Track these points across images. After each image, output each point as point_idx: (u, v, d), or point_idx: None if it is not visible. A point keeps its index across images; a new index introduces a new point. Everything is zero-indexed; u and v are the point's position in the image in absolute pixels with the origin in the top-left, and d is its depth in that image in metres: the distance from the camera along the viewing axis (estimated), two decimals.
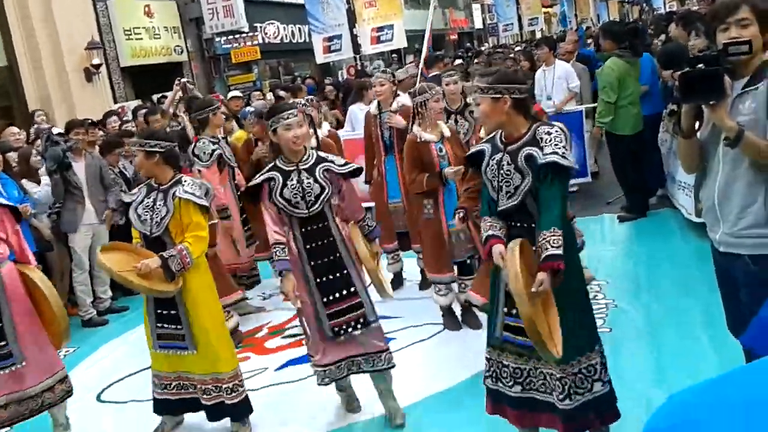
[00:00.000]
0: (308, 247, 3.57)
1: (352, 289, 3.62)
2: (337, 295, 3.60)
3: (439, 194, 4.62)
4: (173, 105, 8.00)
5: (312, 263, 3.58)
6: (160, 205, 3.71)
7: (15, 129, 7.42)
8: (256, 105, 9.02)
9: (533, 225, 2.86)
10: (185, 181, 3.80)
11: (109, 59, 12.99)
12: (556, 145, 2.77)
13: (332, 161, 3.61)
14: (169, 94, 9.49)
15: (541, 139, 2.81)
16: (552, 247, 2.71)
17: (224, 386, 3.77)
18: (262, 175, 3.63)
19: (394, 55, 21.48)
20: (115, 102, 12.40)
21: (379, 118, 5.44)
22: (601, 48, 7.59)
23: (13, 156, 6.18)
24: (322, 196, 3.52)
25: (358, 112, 7.46)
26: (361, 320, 3.63)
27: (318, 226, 3.57)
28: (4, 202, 3.94)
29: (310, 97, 6.00)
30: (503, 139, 2.97)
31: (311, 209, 3.52)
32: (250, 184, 3.72)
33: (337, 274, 3.60)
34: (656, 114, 6.64)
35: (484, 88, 2.89)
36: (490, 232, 2.99)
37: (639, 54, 6.71)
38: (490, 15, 35.85)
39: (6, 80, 11.33)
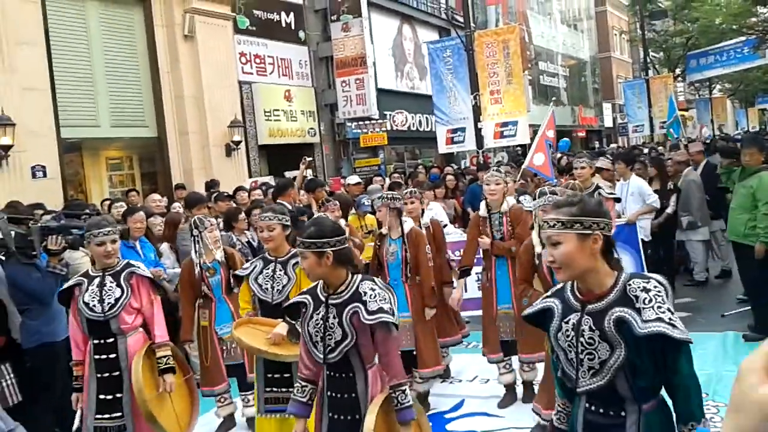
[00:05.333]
0: (330, 394, 2.97)
1: None
2: None
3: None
4: (302, 182, 8.52)
5: (330, 414, 2.97)
6: (280, 274, 3.92)
7: (157, 196, 8.07)
8: (371, 189, 9.33)
9: (623, 414, 2.18)
10: None
11: (248, 137, 13.97)
12: (659, 307, 2.08)
13: (365, 302, 2.85)
14: (296, 172, 10.10)
15: (636, 297, 2.12)
16: None
17: None
18: (300, 294, 3.14)
19: (518, 149, 21.61)
20: (250, 176, 13.24)
21: (489, 220, 5.11)
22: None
23: (152, 221, 6.67)
24: (342, 345, 2.86)
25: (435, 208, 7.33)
26: None
27: (342, 376, 2.94)
28: (144, 273, 3.95)
29: (412, 189, 6.02)
30: (578, 293, 2.26)
31: (328, 356, 2.88)
32: (287, 303, 3.31)
33: None
34: None
35: (566, 222, 2.17)
36: (562, 426, 2.42)
37: None
38: (621, 115, 35.49)
39: (155, 150, 12.43)
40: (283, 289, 3.91)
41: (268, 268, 3.99)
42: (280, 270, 3.95)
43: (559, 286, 2.39)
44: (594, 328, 2.17)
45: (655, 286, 2.14)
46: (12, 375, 4.54)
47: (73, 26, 10.96)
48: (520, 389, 5.18)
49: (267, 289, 3.94)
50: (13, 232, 4.54)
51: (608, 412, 2.20)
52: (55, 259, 4.59)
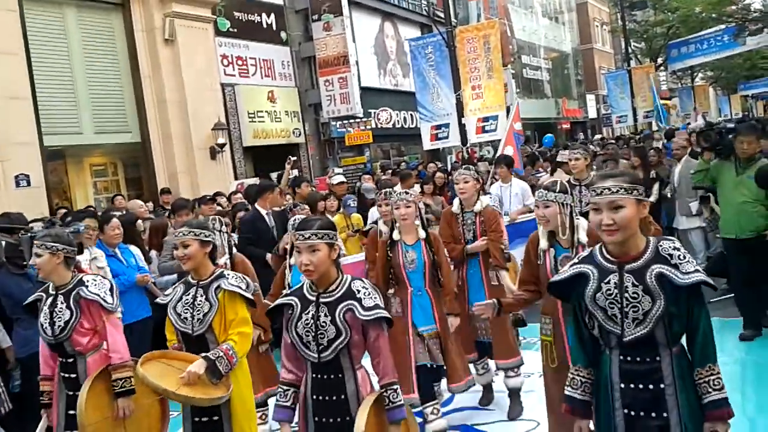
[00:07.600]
0: (315, 397, 2.89)
1: None
2: None
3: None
4: (287, 182, 8.53)
5: (317, 419, 2.89)
6: (201, 300, 3.41)
7: (140, 202, 8.05)
8: (365, 187, 9.36)
9: (657, 359, 2.45)
10: (228, 274, 3.53)
11: (232, 139, 13.95)
12: (691, 261, 2.43)
13: (360, 300, 2.83)
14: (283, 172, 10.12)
15: (670, 255, 2.44)
16: (714, 390, 2.39)
17: None
18: (284, 296, 3.03)
19: None
20: (236, 178, 13.23)
21: (461, 217, 4.99)
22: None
23: (140, 224, 6.59)
24: (336, 342, 2.80)
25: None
26: None
27: (330, 377, 2.86)
28: (89, 297, 3.64)
29: (404, 190, 6.00)
30: (610, 256, 2.53)
31: (322, 355, 2.82)
32: (271, 306, 3.09)
33: None
34: None
35: (628, 188, 2.44)
36: (577, 396, 2.61)
37: None
38: (605, 106, 35.71)
39: (139, 155, 12.40)
40: (204, 317, 3.38)
41: (188, 294, 3.45)
42: (202, 296, 3.42)
43: (585, 253, 2.65)
44: (637, 283, 2.44)
45: (681, 247, 2.49)
46: (2, 384, 4.57)
47: (52, 34, 10.93)
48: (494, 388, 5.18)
49: (186, 318, 3.40)
50: (3, 242, 4.55)
51: (645, 359, 2.46)
52: None
